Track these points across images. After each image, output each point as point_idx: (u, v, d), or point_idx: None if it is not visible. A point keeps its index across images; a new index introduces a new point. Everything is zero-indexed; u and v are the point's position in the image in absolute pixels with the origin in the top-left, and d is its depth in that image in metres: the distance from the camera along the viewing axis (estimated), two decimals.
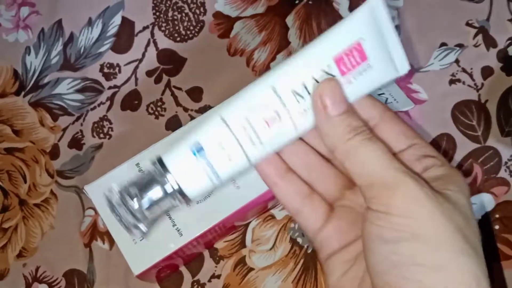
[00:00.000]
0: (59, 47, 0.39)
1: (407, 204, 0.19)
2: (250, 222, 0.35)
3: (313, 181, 0.24)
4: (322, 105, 0.20)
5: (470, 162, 0.35)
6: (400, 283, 0.19)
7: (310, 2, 0.39)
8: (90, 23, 0.39)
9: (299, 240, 0.35)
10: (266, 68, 0.38)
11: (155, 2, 0.40)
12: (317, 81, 0.22)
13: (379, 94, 0.35)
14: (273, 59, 0.38)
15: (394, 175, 0.19)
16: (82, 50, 0.39)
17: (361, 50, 0.21)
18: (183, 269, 0.35)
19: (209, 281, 0.34)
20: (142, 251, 0.30)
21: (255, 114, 0.22)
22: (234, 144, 0.22)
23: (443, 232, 0.19)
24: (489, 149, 0.36)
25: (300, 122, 0.23)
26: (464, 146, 0.36)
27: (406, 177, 0.19)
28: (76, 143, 0.37)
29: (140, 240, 0.30)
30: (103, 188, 0.30)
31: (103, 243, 0.35)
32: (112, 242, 0.35)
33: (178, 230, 0.30)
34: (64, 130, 0.38)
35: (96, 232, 0.35)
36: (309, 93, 0.23)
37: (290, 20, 0.39)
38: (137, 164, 0.31)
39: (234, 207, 0.31)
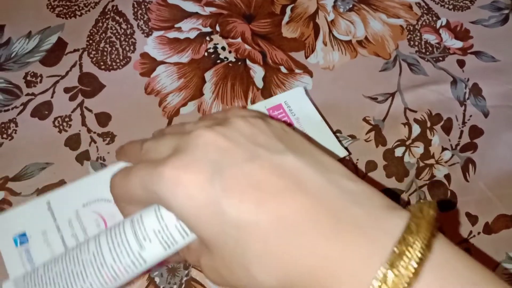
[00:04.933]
0: None
1: None
2: None
3: None
4: None
5: None
6: None
7: (230, 64, 0.43)
8: (29, 35, 0.43)
9: (157, 280, 0.36)
10: (176, 112, 0.41)
11: (91, 31, 0.43)
12: None
13: None
14: (184, 104, 0.41)
15: None
16: (13, 55, 0.42)
17: None
18: None
19: None
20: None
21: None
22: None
23: None
24: None
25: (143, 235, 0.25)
26: None
27: None
28: None
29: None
30: (8, 222, 0.30)
31: None
32: None
33: None
34: None
35: None
36: None
37: (208, 75, 0.42)
38: (48, 203, 0.31)
39: None
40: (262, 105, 0.36)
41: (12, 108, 0.40)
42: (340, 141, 0.36)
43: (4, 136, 0.39)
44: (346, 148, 0.40)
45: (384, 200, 0.21)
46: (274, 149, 0.21)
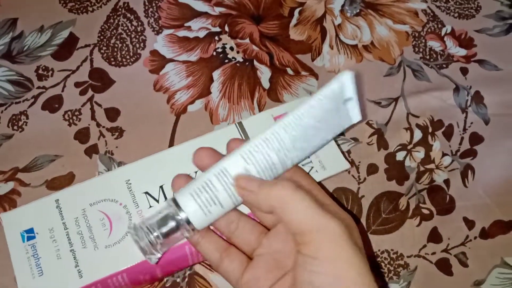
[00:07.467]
0: (6, 39, 0.42)
1: (331, 249, 0.23)
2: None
3: (232, 233, 0.29)
4: (246, 191, 0.26)
5: None
6: None
7: (237, 64, 0.44)
8: (41, 30, 0.43)
9: None
10: (183, 109, 0.42)
11: (102, 27, 0.44)
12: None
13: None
14: (192, 102, 0.42)
15: (320, 223, 0.23)
16: (25, 49, 0.42)
17: None
18: None
19: None
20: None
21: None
22: None
23: (358, 272, 0.23)
24: None
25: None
26: None
27: (331, 222, 0.24)
28: None
29: (39, 276, 0.29)
30: (18, 217, 0.31)
31: None
32: None
33: (79, 272, 0.30)
34: None
35: None
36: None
37: (216, 74, 0.43)
38: (57, 200, 0.32)
39: (139, 258, 0.30)
40: (269, 114, 0.36)
41: (23, 101, 0.41)
42: (343, 152, 0.37)
43: (15, 127, 0.40)
44: (347, 160, 0.41)
45: None
46: None
